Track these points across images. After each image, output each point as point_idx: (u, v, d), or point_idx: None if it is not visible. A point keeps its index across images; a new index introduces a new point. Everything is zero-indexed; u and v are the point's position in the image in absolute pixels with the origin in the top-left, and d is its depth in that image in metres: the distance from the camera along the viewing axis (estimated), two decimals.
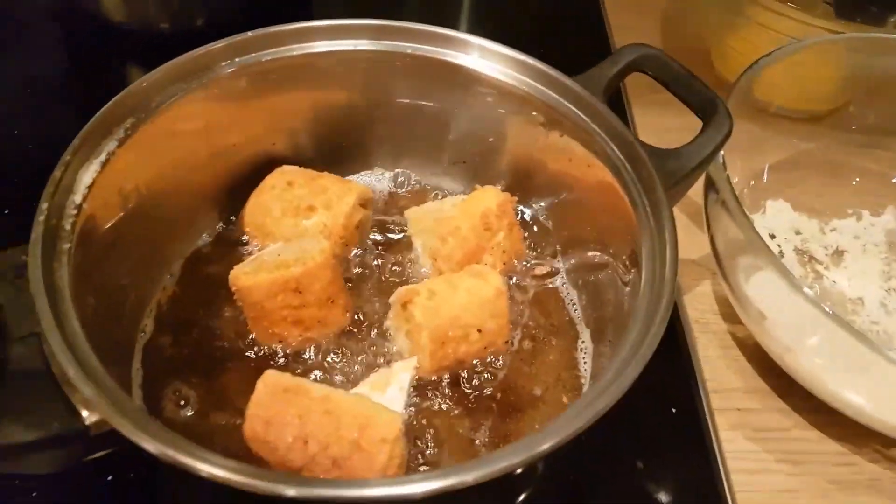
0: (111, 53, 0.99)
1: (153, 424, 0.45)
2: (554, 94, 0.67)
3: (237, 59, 0.66)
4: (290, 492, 0.42)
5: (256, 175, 0.74)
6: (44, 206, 0.52)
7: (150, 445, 0.42)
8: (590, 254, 0.70)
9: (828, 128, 0.87)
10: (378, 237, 0.77)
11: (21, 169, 0.83)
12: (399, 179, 0.82)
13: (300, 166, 0.75)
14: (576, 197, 0.70)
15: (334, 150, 0.79)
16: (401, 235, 0.77)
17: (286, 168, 0.75)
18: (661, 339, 0.72)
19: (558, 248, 0.75)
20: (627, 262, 0.61)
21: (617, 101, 0.99)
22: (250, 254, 0.73)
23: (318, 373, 0.66)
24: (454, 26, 0.73)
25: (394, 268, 0.75)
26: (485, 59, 0.69)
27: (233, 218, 0.76)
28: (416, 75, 0.72)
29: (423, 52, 0.70)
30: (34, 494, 0.59)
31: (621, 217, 0.62)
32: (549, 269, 0.75)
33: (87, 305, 0.53)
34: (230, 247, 0.74)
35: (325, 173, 0.75)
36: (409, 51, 0.70)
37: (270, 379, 0.58)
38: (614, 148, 0.62)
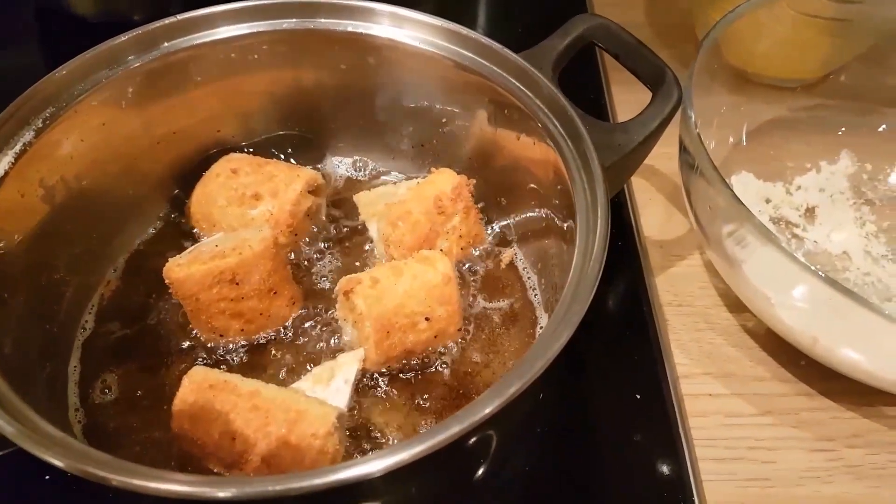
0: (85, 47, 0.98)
1: (46, 429, 0.43)
2: (499, 70, 0.63)
3: (165, 45, 0.64)
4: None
5: (205, 163, 0.72)
6: None
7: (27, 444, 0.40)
8: (544, 235, 0.66)
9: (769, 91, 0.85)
10: (333, 225, 0.75)
11: None
12: (357, 165, 0.80)
13: (252, 154, 0.73)
14: (527, 176, 0.66)
15: (287, 138, 0.76)
16: (357, 223, 0.75)
17: (232, 156, 0.72)
18: (629, 323, 0.71)
19: (516, 230, 0.72)
20: (570, 242, 0.57)
21: (594, 77, 0.95)
22: (196, 243, 0.71)
23: (262, 367, 0.64)
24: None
25: (347, 256, 0.73)
26: (422, 33, 0.66)
27: (179, 206, 0.73)
28: (356, 54, 0.69)
29: (359, 29, 0.67)
30: None
31: (565, 195, 0.58)
32: (508, 252, 0.72)
33: (4, 304, 0.52)
34: (177, 239, 0.72)
35: (273, 160, 0.73)
36: (347, 28, 0.67)
37: (196, 375, 0.56)
38: (556, 124, 0.58)
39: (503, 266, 0.71)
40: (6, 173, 0.54)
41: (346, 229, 0.75)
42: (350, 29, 0.67)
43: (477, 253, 0.72)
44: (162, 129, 0.68)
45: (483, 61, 0.64)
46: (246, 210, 0.70)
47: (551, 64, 0.62)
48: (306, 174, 0.71)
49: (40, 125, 0.57)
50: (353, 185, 0.78)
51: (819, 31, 0.83)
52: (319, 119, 0.75)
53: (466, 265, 0.71)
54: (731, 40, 0.75)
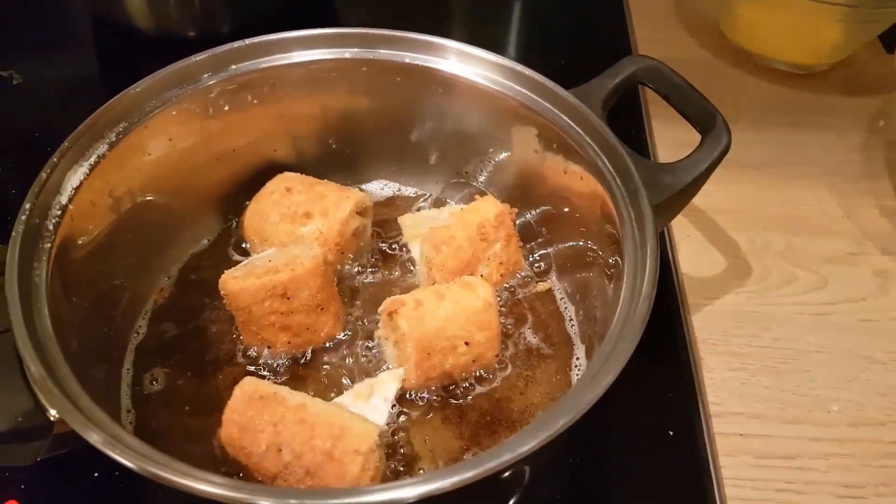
0: (138, 60, 1.02)
1: (112, 427, 0.45)
2: (549, 106, 0.66)
3: (233, 67, 0.67)
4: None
5: (259, 180, 0.74)
6: (27, 205, 0.53)
7: (100, 442, 0.43)
8: (585, 267, 0.68)
9: None
10: (377, 245, 0.77)
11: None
12: (400, 189, 0.82)
13: (302, 173, 0.76)
14: (571, 209, 0.68)
15: (336, 159, 0.79)
16: (399, 244, 0.77)
17: (286, 175, 0.75)
18: (664, 359, 0.72)
19: (556, 260, 0.74)
20: (614, 277, 0.59)
21: (635, 113, 0.97)
22: (247, 258, 0.73)
23: (305, 380, 0.66)
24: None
25: (390, 276, 0.75)
26: (479, 68, 0.69)
27: (234, 222, 0.76)
28: (413, 85, 0.72)
29: (417, 62, 0.70)
30: (22, 487, 0.60)
31: (611, 230, 0.60)
32: (546, 282, 0.73)
33: (72, 305, 0.54)
34: (229, 251, 0.75)
35: (325, 181, 0.75)
36: (406, 59, 0.70)
37: (248, 385, 0.58)
38: (605, 160, 0.60)
39: (541, 295, 0.73)
40: (81, 184, 0.57)
41: (389, 250, 0.77)
42: (407, 60, 0.69)
43: (515, 280, 0.73)
44: (222, 146, 0.71)
45: (534, 96, 0.66)
46: (297, 227, 0.72)
47: (601, 102, 0.64)
48: (355, 195, 0.74)
49: (114, 139, 0.60)
50: (397, 207, 0.81)
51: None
52: (368, 143, 0.78)
53: (505, 292, 0.73)
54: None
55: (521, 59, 0.68)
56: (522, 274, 0.74)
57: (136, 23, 0.98)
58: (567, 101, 0.64)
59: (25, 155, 0.87)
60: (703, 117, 0.62)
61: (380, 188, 0.82)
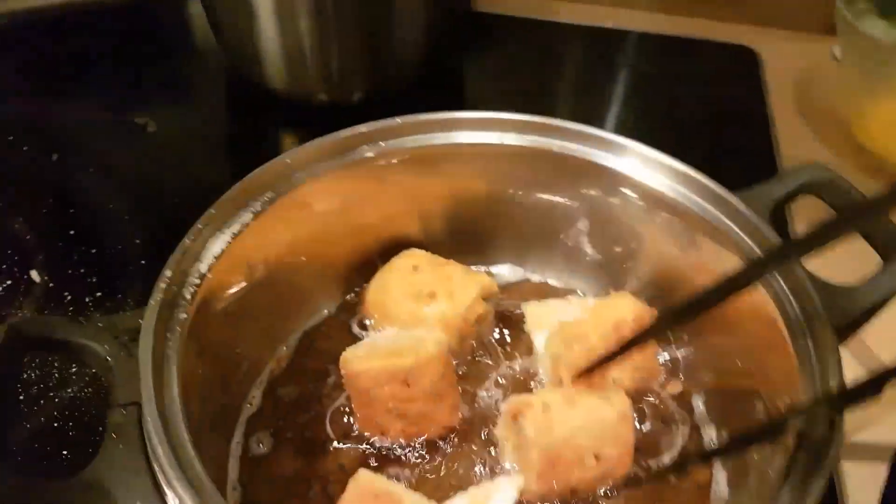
0: (267, 117, 1.05)
1: None
2: (712, 209, 0.61)
3: (382, 143, 0.66)
4: None
5: (384, 254, 0.73)
6: (167, 273, 0.53)
7: None
8: (734, 388, 0.62)
9: None
10: (497, 332, 0.73)
11: (164, 225, 0.87)
12: (527, 273, 0.78)
13: (428, 250, 0.74)
14: (725, 323, 0.62)
15: (464, 238, 0.76)
16: (521, 333, 0.73)
17: (414, 251, 0.73)
18: None
19: (693, 369, 0.68)
20: (779, 406, 0.53)
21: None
22: (367, 333, 0.71)
23: (415, 472, 0.62)
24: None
25: (510, 367, 0.71)
26: (639, 163, 0.65)
27: (355, 293, 0.75)
28: (560, 173, 0.69)
29: (571, 152, 0.67)
30: None
31: (778, 356, 0.54)
32: (683, 393, 0.67)
33: (195, 374, 0.53)
34: (348, 324, 0.73)
35: (451, 261, 0.73)
36: (555, 148, 0.67)
37: (363, 479, 0.55)
38: (778, 277, 0.55)
39: (675, 406, 0.67)
40: (222, 252, 0.56)
41: (510, 337, 0.73)
42: (555, 150, 0.67)
43: (649, 388, 0.68)
44: (356, 220, 0.70)
45: (694, 196, 0.62)
46: (420, 307, 0.69)
47: (769, 209, 0.59)
48: (483, 280, 0.71)
49: (259, 208, 0.59)
50: (521, 292, 0.77)
51: None
52: (506, 227, 0.76)
53: (635, 401, 0.67)
54: None
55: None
56: (657, 382, 0.68)
57: (269, 82, 1.01)
58: (734, 206, 0.59)
59: (153, 202, 0.90)
60: (889, 240, 0.55)
61: (506, 271, 0.79)
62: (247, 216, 0.59)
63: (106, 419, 0.47)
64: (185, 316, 0.52)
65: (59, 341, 0.50)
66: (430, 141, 0.67)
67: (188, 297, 0.53)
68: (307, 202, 0.63)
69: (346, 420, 0.65)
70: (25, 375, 0.69)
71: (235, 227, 0.58)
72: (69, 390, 0.68)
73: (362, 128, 0.65)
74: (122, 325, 0.51)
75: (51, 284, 0.78)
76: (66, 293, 0.77)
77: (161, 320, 0.50)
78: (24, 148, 0.94)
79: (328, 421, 0.65)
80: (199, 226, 0.56)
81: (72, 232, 0.84)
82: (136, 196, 0.90)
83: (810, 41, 1.25)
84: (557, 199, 0.71)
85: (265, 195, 0.60)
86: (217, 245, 0.56)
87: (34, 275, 0.79)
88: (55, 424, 0.66)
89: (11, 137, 0.95)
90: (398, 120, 0.66)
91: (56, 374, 0.69)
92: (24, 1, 0.83)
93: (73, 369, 0.70)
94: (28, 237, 0.83)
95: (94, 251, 0.81)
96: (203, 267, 0.55)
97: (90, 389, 0.68)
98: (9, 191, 0.86)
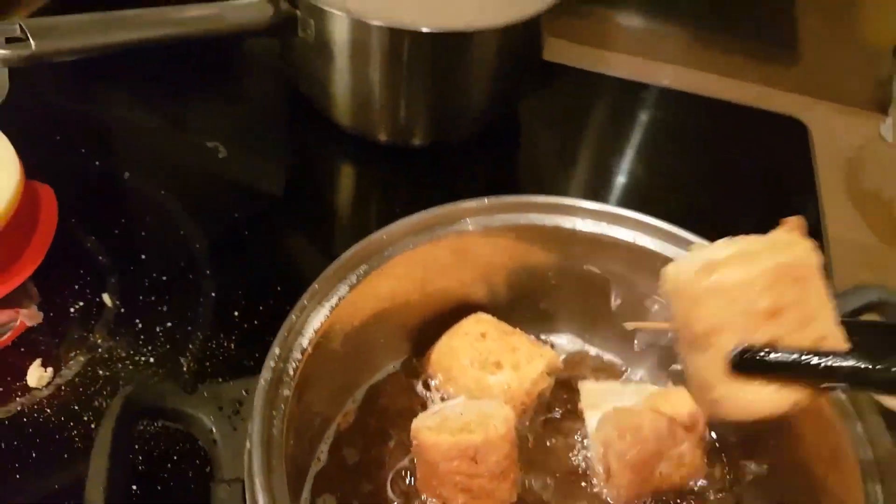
0: (334, 151, 1.07)
1: None
2: None
3: (468, 220, 0.68)
4: None
5: (451, 316, 0.75)
6: (276, 350, 0.54)
7: None
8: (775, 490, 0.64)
9: None
10: (552, 405, 0.76)
11: (233, 256, 0.89)
12: (585, 347, 0.81)
13: (492, 313, 0.76)
14: (779, 431, 0.65)
15: (529, 308, 0.79)
16: (573, 409, 0.75)
17: (482, 316, 0.75)
18: None
19: (742, 471, 0.70)
20: None
21: None
22: (430, 393, 0.73)
23: None
24: None
25: (562, 443, 0.73)
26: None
27: (420, 351, 0.77)
28: (629, 261, 0.72)
29: (644, 243, 0.70)
30: None
31: (838, 471, 0.57)
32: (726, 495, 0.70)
33: (288, 445, 0.55)
34: (412, 382, 0.75)
35: (518, 331, 0.75)
36: (630, 238, 0.70)
37: None
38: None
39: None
40: (321, 325, 0.58)
41: (562, 413, 0.75)
42: (629, 240, 0.71)
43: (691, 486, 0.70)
44: (430, 287, 0.72)
45: None
46: (485, 375, 0.72)
47: None
48: (548, 355, 0.73)
49: (354, 281, 0.61)
50: (576, 367, 0.80)
51: None
52: (555, 298, 0.79)
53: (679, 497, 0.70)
54: None
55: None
56: (701, 480, 0.70)
57: (335, 119, 1.03)
58: None
59: (223, 229, 0.92)
60: None
61: (566, 342, 0.81)
62: (343, 289, 0.61)
63: (210, 494, 0.49)
64: (287, 393, 0.54)
65: (170, 410, 0.51)
66: (512, 221, 0.70)
67: (291, 372, 0.55)
68: (394, 275, 0.66)
69: (407, 482, 0.68)
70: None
71: (333, 301, 0.60)
72: (172, 462, 0.68)
73: (452, 206, 0.67)
74: (226, 396, 0.53)
75: (122, 309, 0.80)
76: (136, 320, 0.79)
77: (268, 400, 0.52)
78: (97, 162, 0.96)
79: (392, 482, 0.68)
80: (304, 301, 0.58)
81: (143, 256, 0.85)
82: (205, 221, 0.92)
83: (859, 116, 1.27)
84: (625, 283, 0.74)
85: (360, 268, 0.62)
86: (317, 319, 0.58)
87: (106, 298, 0.80)
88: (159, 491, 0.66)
89: (84, 150, 0.96)
90: (486, 201, 0.68)
91: (162, 446, 0.69)
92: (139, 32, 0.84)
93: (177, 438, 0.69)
94: (100, 258, 0.84)
95: (164, 279, 0.83)
96: (304, 342, 0.57)
97: (197, 461, 0.67)
98: (83, 209, 0.86)
